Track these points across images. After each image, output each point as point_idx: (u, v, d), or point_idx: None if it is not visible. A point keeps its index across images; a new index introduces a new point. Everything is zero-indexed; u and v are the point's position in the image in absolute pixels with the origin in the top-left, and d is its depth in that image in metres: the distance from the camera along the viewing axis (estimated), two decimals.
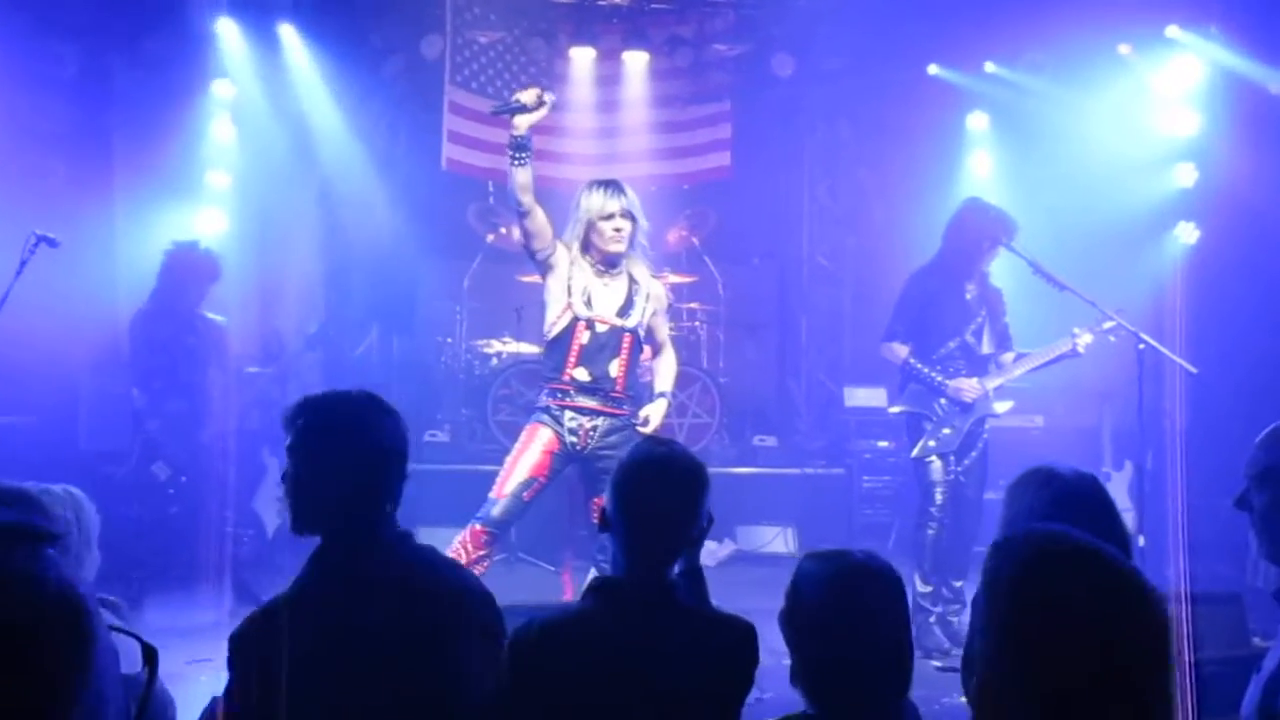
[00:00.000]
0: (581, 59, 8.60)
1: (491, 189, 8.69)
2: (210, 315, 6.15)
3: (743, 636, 2.30)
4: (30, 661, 0.91)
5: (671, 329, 8.12)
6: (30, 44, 6.49)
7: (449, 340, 8.31)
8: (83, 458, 6.27)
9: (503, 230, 8.12)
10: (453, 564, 2.64)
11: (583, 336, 4.53)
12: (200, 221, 7.15)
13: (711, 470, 8.00)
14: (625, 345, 4.58)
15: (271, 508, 6.90)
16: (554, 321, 4.59)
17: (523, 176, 4.41)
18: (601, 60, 8.61)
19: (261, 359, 6.44)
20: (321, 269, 8.55)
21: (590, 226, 4.52)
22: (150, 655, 1.26)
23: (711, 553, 7.35)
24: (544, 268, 4.59)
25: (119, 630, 1.14)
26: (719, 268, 8.59)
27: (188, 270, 5.99)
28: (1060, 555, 1.40)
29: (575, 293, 4.54)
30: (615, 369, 4.56)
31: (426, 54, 8.17)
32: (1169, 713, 1.33)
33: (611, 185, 4.57)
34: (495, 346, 7.90)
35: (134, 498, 5.76)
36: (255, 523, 6.58)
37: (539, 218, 4.49)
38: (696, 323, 8.49)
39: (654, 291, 4.71)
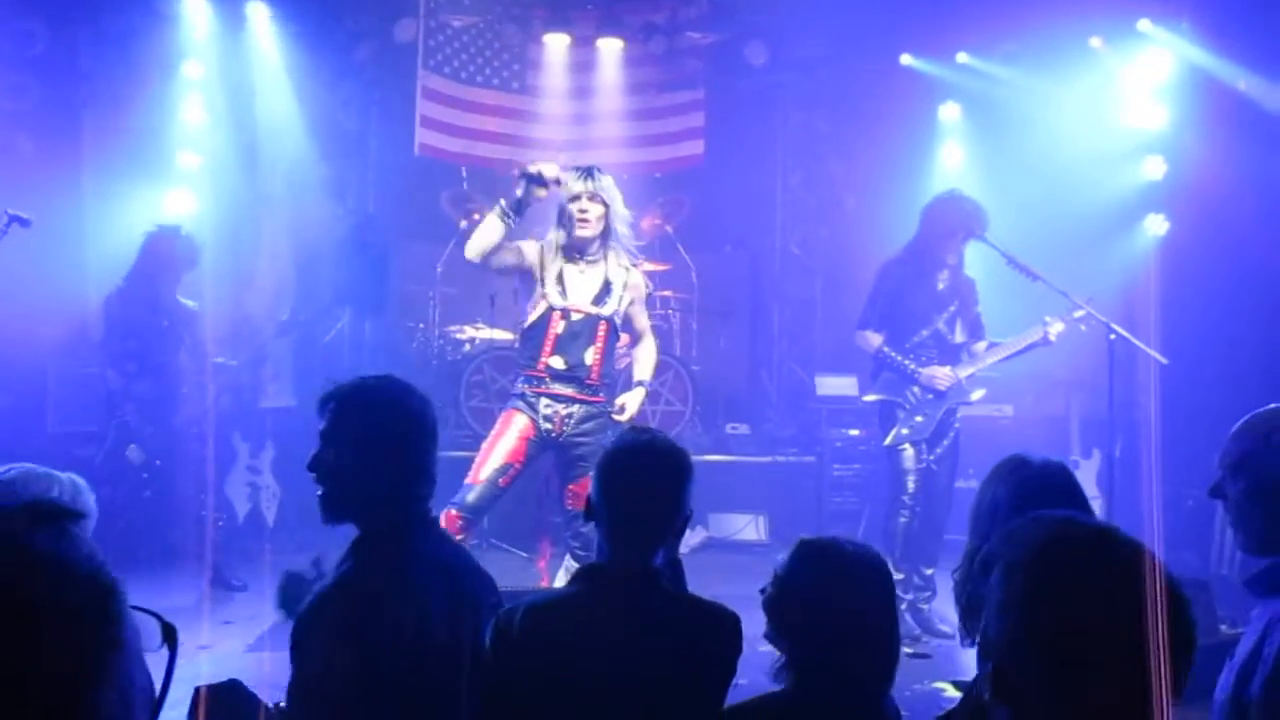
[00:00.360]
0: (555, 45, 8.58)
1: (464, 174, 8.67)
2: (184, 300, 6.10)
3: (728, 624, 2.32)
4: (61, 642, 0.90)
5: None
6: None
7: (422, 326, 8.27)
8: (52, 440, 6.21)
9: (475, 215, 8.06)
10: (462, 546, 2.68)
11: (558, 325, 4.53)
12: (170, 202, 7.07)
13: None
14: (601, 333, 4.59)
15: (241, 493, 6.86)
16: (530, 310, 4.60)
17: (496, 234, 4.44)
18: (575, 46, 8.59)
19: (232, 345, 6.38)
20: (292, 253, 8.47)
21: (561, 210, 4.54)
22: (170, 634, 1.25)
23: (683, 540, 7.37)
24: (519, 270, 4.61)
25: (140, 609, 1.14)
26: (692, 256, 8.60)
27: (167, 255, 5.93)
28: (1076, 539, 1.42)
29: (549, 282, 4.55)
30: (590, 357, 4.56)
31: (399, 38, 8.13)
32: (1178, 689, 1.35)
33: (583, 169, 4.58)
34: (468, 332, 7.87)
35: (108, 481, 5.71)
36: (226, 507, 6.54)
37: (504, 259, 4.52)
38: (669, 310, 8.49)
39: (632, 280, 4.70)
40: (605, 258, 4.61)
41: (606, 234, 4.57)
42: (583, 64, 8.70)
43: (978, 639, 1.45)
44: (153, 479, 5.88)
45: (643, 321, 4.87)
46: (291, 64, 7.74)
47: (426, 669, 2.17)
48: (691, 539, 7.40)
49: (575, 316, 4.54)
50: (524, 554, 6.91)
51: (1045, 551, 1.38)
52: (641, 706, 2.19)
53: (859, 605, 2.07)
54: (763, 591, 2.20)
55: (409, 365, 8.46)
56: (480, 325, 7.92)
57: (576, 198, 4.50)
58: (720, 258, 9.33)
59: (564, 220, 4.54)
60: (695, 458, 7.94)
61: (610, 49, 8.59)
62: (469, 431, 6.96)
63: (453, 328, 7.97)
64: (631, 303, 4.71)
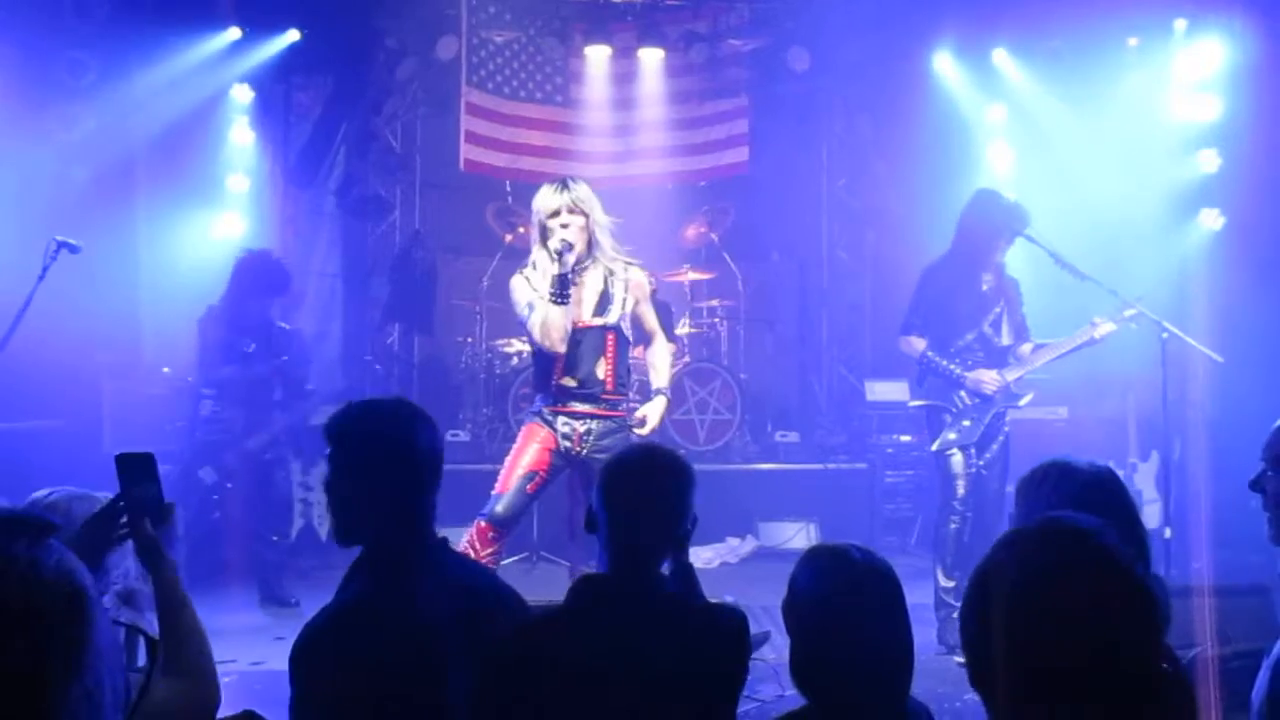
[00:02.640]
0: (596, 57, 8.61)
1: (509, 188, 8.72)
2: (280, 324, 6.12)
3: (732, 625, 2.30)
4: (26, 639, 0.98)
5: (691, 326, 8.20)
6: (50, 53, 6.54)
7: (469, 340, 8.33)
8: (107, 460, 6.32)
9: (520, 230, 8.11)
10: (483, 566, 2.67)
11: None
12: (220, 225, 7.20)
13: (733, 467, 8.02)
14: (609, 343, 4.50)
15: (294, 509, 6.94)
16: (534, 332, 4.51)
17: (561, 318, 4.38)
18: (616, 58, 8.62)
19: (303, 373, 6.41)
20: (342, 271, 8.60)
21: (542, 229, 4.46)
22: (154, 647, 1.35)
23: (734, 549, 7.35)
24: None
25: (125, 626, 1.21)
26: (738, 264, 8.58)
27: (254, 278, 5.98)
28: (1054, 547, 1.40)
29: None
30: (602, 370, 4.49)
31: (442, 55, 8.21)
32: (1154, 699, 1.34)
33: (559, 182, 4.48)
34: (515, 346, 7.91)
35: (179, 500, 5.77)
36: (283, 528, 6.62)
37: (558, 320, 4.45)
38: (716, 319, 8.49)
39: (633, 279, 4.56)
40: (598, 265, 4.51)
41: (591, 243, 4.48)
42: (625, 75, 8.73)
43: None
44: (222, 501, 5.94)
45: (651, 321, 4.72)
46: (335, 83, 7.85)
47: (427, 692, 2.16)
48: (742, 548, 7.37)
49: (580, 332, 4.47)
50: (569, 565, 6.92)
51: (1025, 561, 1.37)
52: (649, 718, 2.18)
53: (862, 610, 2.03)
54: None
55: (458, 380, 8.54)
56: (527, 339, 7.95)
57: (555, 212, 4.41)
58: (767, 265, 9.31)
59: (546, 236, 4.45)
60: (744, 466, 7.92)
61: (652, 59, 8.60)
62: None
63: (500, 341, 8.01)
64: (636, 303, 4.58)
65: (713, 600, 2.64)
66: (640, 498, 2.33)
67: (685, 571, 2.53)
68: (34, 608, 0.99)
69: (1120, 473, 7.10)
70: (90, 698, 1.00)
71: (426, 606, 2.22)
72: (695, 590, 2.52)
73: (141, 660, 1.91)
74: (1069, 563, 1.36)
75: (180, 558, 2.14)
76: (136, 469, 2.09)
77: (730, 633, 2.29)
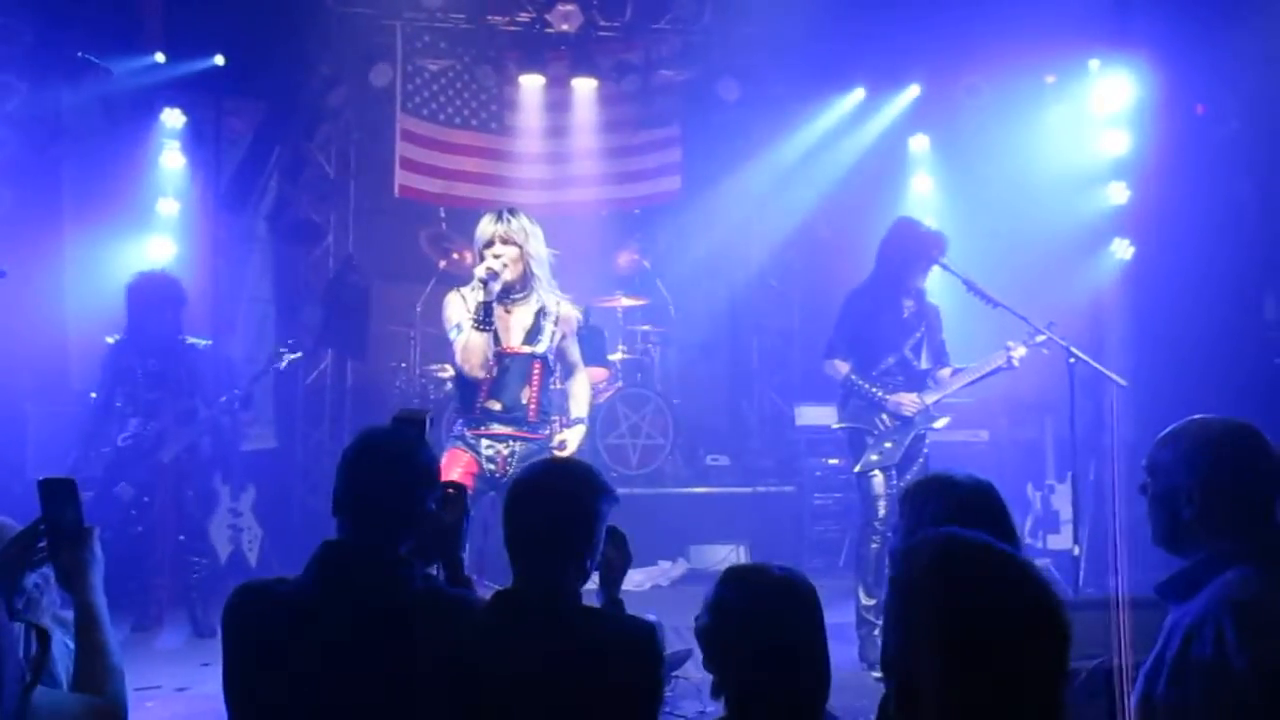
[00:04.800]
0: (531, 85, 8.69)
1: (444, 215, 8.76)
2: (192, 340, 6.14)
3: (642, 636, 2.30)
4: None
5: (624, 351, 8.29)
6: None
7: (403, 365, 8.33)
8: (30, 485, 6.23)
9: (455, 255, 8.17)
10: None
11: (491, 368, 4.55)
12: (150, 249, 7.15)
13: (665, 490, 8.08)
14: (535, 372, 4.62)
15: (224, 535, 6.89)
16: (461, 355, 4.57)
17: (482, 342, 4.46)
18: (550, 86, 8.71)
19: (213, 388, 6.41)
20: (273, 296, 8.56)
21: (479, 256, 4.55)
22: (42, 636, 1.42)
23: (665, 571, 7.42)
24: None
25: (18, 619, 1.28)
26: (670, 290, 8.68)
27: (150, 297, 5.98)
28: (963, 556, 1.49)
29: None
30: (526, 396, 4.60)
31: (376, 82, 8.24)
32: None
33: (499, 212, 4.60)
34: (449, 371, 7.92)
35: (100, 520, 5.72)
36: (208, 550, 6.56)
37: (483, 343, 4.52)
38: (649, 344, 8.58)
39: (563, 314, 4.69)
40: (532, 296, 4.63)
41: (526, 275, 4.58)
42: (558, 103, 8.82)
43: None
44: (141, 515, 5.91)
45: (574, 355, 4.85)
46: (268, 108, 7.84)
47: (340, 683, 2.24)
48: (673, 570, 7.44)
49: (507, 359, 4.57)
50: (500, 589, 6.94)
51: (934, 571, 1.46)
52: None
53: (784, 626, 2.11)
54: (697, 620, 2.21)
55: (391, 405, 8.52)
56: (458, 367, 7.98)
57: (490, 243, 4.52)
58: (698, 291, 9.41)
59: (479, 264, 4.54)
60: (676, 490, 7.98)
61: (585, 88, 8.71)
62: None
63: (434, 366, 8.02)
64: (563, 337, 4.71)
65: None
66: (537, 508, 2.37)
67: (615, 607, 2.56)
68: None
69: (1038, 494, 7.26)
70: None
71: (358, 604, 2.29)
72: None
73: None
74: (985, 574, 1.45)
75: (99, 580, 2.18)
76: (58, 494, 2.14)
77: (641, 640, 2.29)
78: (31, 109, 6.66)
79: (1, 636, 1.05)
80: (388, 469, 2.41)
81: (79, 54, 6.70)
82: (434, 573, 2.58)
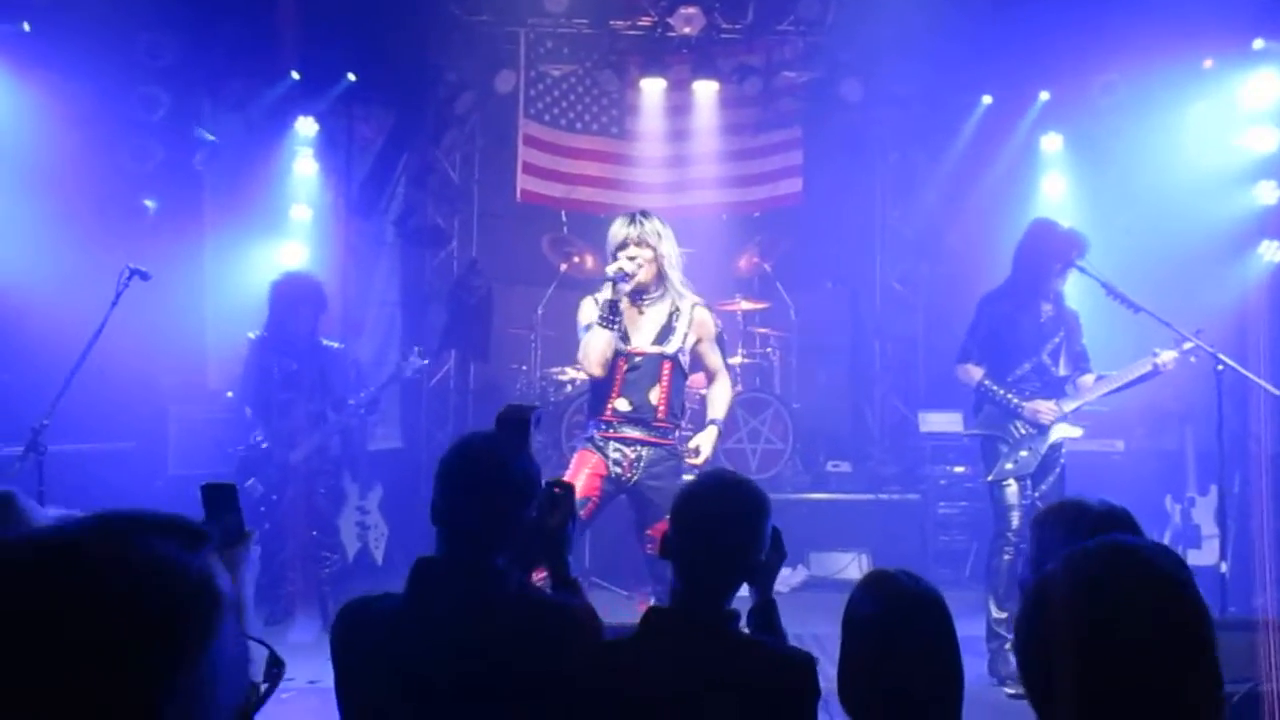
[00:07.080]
0: (652, 89, 8.72)
1: (564, 219, 8.85)
2: (327, 342, 6.32)
3: (800, 671, 2.24)
4: (147, 638, 0.98)
5: (744, 355, 8.23)
6: (123, 88, 6.78)
7: (524, 368, 8.42)
8: (170, 482, 6.49)
9: (575, 259, 8.25)
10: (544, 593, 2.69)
11: (622, 368, 4.59)
12: (284, 254, 7.37)
13: (784, 496, 8.02)
14: (665, 372, 4.62)
15: (351, 532, 7.05)
16: None
17: (604, 341, 4.52)
18: (671, 90, 8.72)
19: (342, 391, 6.57)
20: (400, 299, 8.75)
21: (612, 258, 4.60)
22: (275, 665, 1.36)
23: (784, 579, 7.33)
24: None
25: (254, 640, 1.23)
26: (791, 294, 8.60)
27: (292, 296, 6.16)
28: (1116, 570, 1.43)
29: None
30: (655, 397, 4.60)
31: (500, 88, 8.36)
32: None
33: (631, 215, 4.64)
34: (569, 374, 7.99)
35: None
36: (338, 547, 6.72)
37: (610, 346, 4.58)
38: (769, 349, 8.51)
39: (698, 318, 4.70)
40: (665, 298, 4.65)
41: (660, 276, 4.61)
42: (679, 107, 8.83)
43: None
44: (269, 512, 6.08)
45: (714, 360, 4.86)
46: (396, 116, 8.03)
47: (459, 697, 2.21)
48: (793, 578, 7.35)
49: (637, 358, 4.59)
50: (624, 592, 6.95)
51: (1082, 587, 1.39)
52: None
53: (913, 636, 2.05)
54: None
55: None
56: (581, 367, 8.04)
57: (623, 244, 4.56)
58: (820, 294, 9.30)
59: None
60: (796, 496, 7.92)
61: (706, 91, 8.69)
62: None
63: (554, 369, 8.10)
64: (699, 340, 4.72)
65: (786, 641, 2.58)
66: (711, 526, 2.33)
67: (768, 607, 2.51)
68: (166, 609, 0.99)
69: (1177, 506, 6.98)
70: (199, 698, 0.99)
71: (477, 621, 2.25)
72: (775, 626, 2.49)
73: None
74: (1125, 578, 1.39)
75: (249, 580, 2.22)
76: (220, 499, 2.21)
77: (797, 676, 2.23)
78: (175, 120, 6.94)
79: (220, 655, 1.00)
80: (482, 484, 2.32)
81: (195, 130, 6.99)
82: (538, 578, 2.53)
